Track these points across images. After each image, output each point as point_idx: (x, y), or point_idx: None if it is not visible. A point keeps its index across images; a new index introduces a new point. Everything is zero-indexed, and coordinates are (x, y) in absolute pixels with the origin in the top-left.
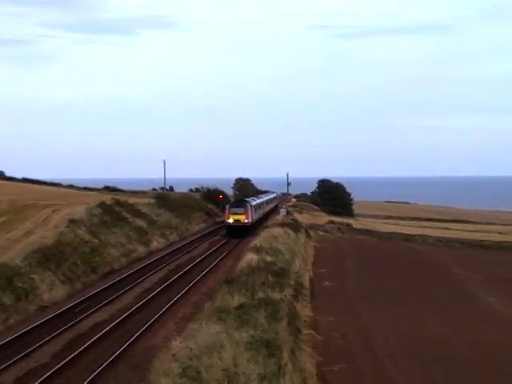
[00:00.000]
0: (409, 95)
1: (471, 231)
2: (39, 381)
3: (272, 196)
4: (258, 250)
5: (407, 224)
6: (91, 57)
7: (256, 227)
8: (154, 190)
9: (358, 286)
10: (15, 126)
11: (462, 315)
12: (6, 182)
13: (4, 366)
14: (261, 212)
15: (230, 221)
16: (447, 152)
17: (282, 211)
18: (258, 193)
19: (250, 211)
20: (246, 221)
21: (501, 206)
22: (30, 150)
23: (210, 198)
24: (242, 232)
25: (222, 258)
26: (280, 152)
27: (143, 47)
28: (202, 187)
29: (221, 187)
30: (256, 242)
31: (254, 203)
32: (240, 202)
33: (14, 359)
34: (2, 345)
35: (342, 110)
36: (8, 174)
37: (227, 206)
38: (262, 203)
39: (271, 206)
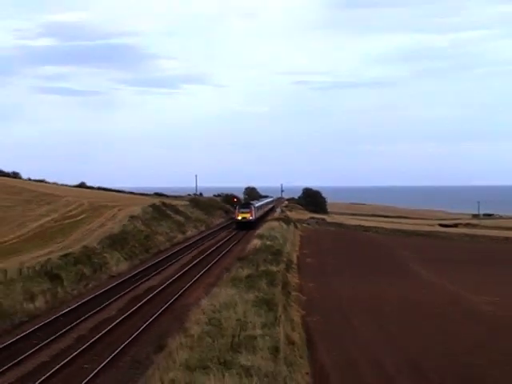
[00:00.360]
0: (361, 130)
1: (409, 224)
2: (109, 327)
3: (270, 199)
4: (260, 237)
5: (365, 219)
6: (146, 103)
7: (258, 222)
8: (189, 195)
9: (330, 261)
10: (94, 152)
11: (400, 280)
12: (86, 189)
13: (84, 317)
14: (262, 211)
15: (239, 218)
16: (387, 168)
17: (278, 210)
18: (261, 197)
19: (253, 211)
20: (251, 218)
21: (427, 207)
22: (103, 167)
23: (228, 201)
24: (247, 226)
25: (236, 243)
26: (277, 169)
27: (184, 96)
28: (222, 193)
29: (235, 193)
30: (259, 231)
31: (256, 205)
32: (246, 204)
33: (92, 313)
34: (84, 302)
35: (319, 140)
36: (88, 184)
37: (236, 207)
38: (262, 205)
39: (270, 206)
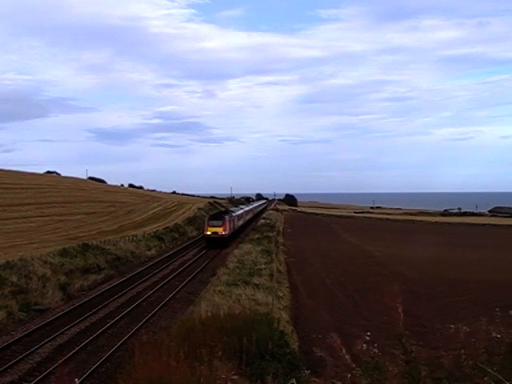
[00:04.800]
0: (314, 164)
1: (338, 211)
2: (187, 264)
3: (263, 202)
4: (264, 218)
5: (316, 209)
6: (206, 152)
7: (236, 236)
8: (228, 198)
9: (298, 230)
10: (179, 176)
11: (333, 240)
12: (176, 194)
13: (175, 259)
14: (246, 218)
15: (208, 233)
16: (328, 182)
17: (272, 205)
18: (261, 199)
19: (227, 224)
20: (223, 233)
21: (349, 203)
22: (184, 183)
23: (247, 200)
24: (217, 243)
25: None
26: (272, 183)
27: (225, 148)
28: (243, 197)
29: (251, 196)
30: (263, 215)
31: (237, 213)
32: (218, 215)
33: (179, 256)
34: (176, 251)
35: (294, 168)
36: (177, 191)
37: (206, 219)
38: (247, 211)
39: (263, 207)
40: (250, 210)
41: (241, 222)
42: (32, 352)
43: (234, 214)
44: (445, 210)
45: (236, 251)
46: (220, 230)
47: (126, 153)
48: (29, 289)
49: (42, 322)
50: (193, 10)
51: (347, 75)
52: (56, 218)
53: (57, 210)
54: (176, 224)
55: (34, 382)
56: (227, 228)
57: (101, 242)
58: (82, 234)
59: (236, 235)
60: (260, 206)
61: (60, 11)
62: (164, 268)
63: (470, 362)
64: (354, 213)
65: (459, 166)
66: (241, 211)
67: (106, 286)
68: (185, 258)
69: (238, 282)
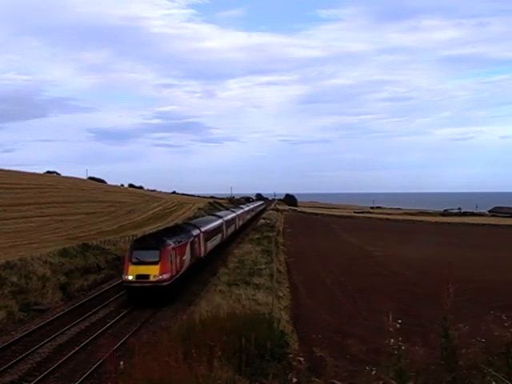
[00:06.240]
0: (313, 164)
1: (338, 211)
2: None
3: (260, 203)
4: (264, 218)
5: (316, 209)
6: (206, 151)
7: (199, 273)
8: (228, 198)
9: (298, 230)
10: (180, 175)
11: (333, 239)
12: (176, 194)
13: None
14: (228, 232)
15: (129, 277)
16: (327, 182)
17: (272, 205)
18: (260, 199)
19: (169, 258)
20: (160, 277)
21: (348, 202)
22: (184, 183)
23: (247, 200)
24: (152, 297)
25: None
26: (272, 183)
27: (225, 147)
28: (243, 197)
29: (251, 196)
30: (263, 215)
31: (204, 228)
32: (152, 240)
33: None
34: None
35: (294, 168)
36: (177, 191)
37: (128, 248)
38: (235, 217)
39: (261, 208)
40: (238, 216)
41: (216, 242)
42: (32, 352)
43: (194, 233)
44: (445, 210)
45: (236, 251)
46: (154, 272)
47: (126, 153)
48: (29, 289)
49: (41, 321)
50: (193, 10)
51: (347, 75)
52: (56, 217)
53: (57, 210)
54: (175, 224)
55: (34, 382)
56: (169, 266)
57: (101, 241)
58: (82, 234)
59: (201, 270)
60: (256, 207)
61: (60, 11)
62: None
63: (469, 363)
64: (354, 213)
65: (459, 166)
66: (216, 222)
67: (106, 286)
68: None
69: (239, 282)
